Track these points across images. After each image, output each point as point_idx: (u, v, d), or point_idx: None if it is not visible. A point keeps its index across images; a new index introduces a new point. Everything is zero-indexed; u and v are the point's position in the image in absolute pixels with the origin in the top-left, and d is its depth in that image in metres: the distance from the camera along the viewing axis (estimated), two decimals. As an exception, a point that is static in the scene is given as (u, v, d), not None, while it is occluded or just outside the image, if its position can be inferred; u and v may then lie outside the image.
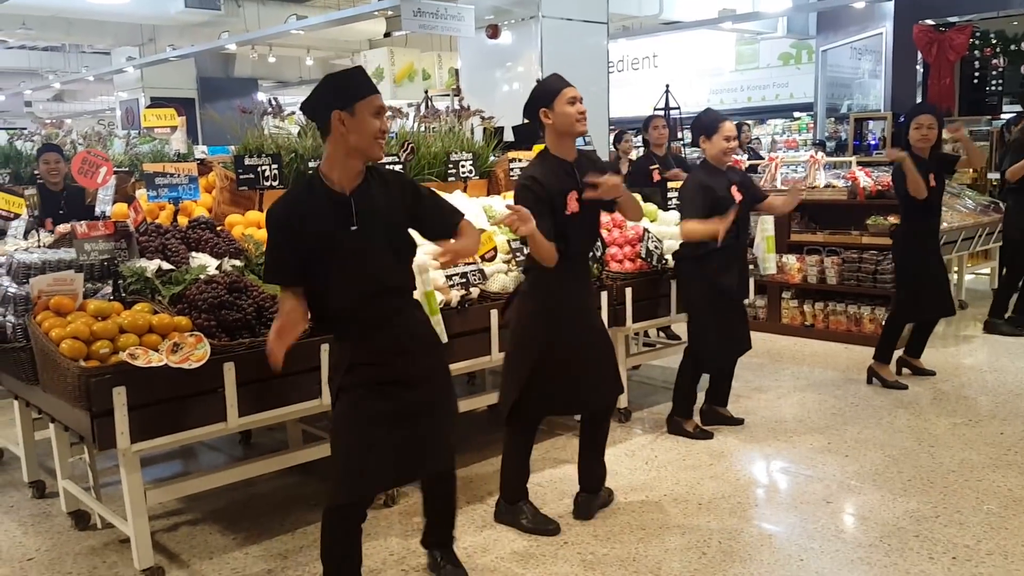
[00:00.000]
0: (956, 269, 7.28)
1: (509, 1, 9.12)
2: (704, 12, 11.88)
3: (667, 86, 11.62)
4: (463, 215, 2.82)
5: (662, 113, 10.10)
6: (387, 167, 2.82)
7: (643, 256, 4.57)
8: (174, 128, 5.89)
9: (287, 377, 3.19)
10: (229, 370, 3.05)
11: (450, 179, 4.97)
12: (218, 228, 3.75)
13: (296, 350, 3.19)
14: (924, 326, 5.32)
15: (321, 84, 2.54)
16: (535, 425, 3.49)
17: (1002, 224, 6.92)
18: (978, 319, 6.95)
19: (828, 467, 4.00)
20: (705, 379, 4.56)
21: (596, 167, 3.33)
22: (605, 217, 4.72)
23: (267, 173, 4.13)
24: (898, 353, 5.35)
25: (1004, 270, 6.85)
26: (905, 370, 5.36)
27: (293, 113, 4.81)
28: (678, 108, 11.41)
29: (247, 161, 4.09)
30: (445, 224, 2.78)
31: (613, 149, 9.72)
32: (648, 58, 15.21)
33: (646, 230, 4.68)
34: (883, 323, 5.47)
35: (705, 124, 4.25)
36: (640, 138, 7.78)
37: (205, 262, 3.41)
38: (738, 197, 4.18)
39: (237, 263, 3.46)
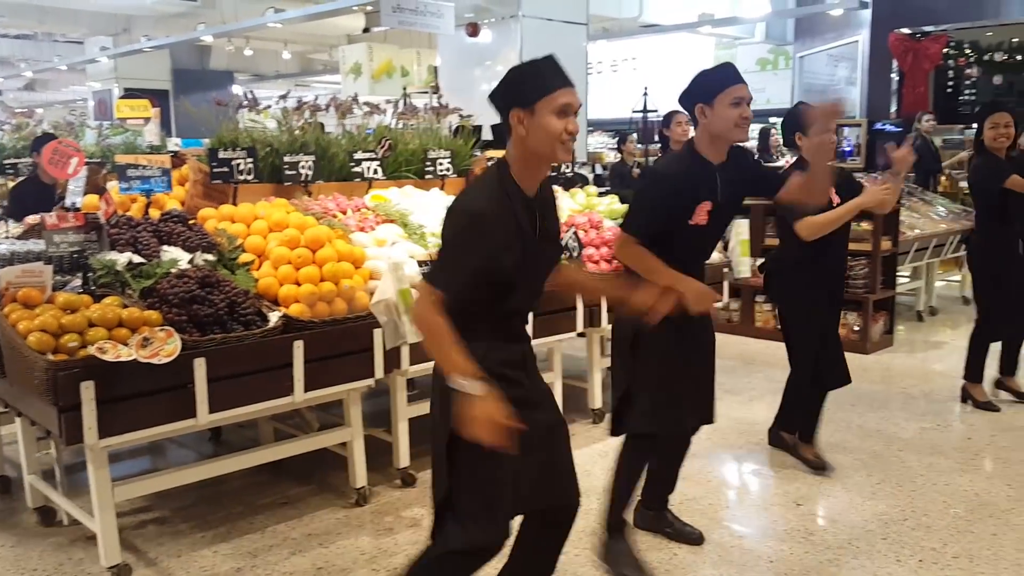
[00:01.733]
0: (926, 276, 7.37)
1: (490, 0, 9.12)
2: (683, 16, 11.95)
3: (645, 89, 11.65)
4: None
5: (682, 109, 10.17)
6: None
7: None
8: (147, 120, 5.83)
9: (258, 374, 3.17)
10: (200, 366, 3.00)
11: (427, 177, 4.95)
12: (191, 222, 3.70)
13: (267, 347, 3.20)
14: (1014, 341, 4.97)
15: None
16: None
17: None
18: (947, 325, 7.05)
19: (798, 469, 4.02)
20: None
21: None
22: (583, 217, 4.75)
23: (242, 167, 4.08)
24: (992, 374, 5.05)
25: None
26: (1003, 393, 5.07)
27: (269, 107, 4.77)
28: (656, 110, 11.45)
29: (221, 154, 4.04)
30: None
31: (618, 150, 9.71)
32: (627, 60, 15.27)
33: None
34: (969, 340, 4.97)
35: (800, 120, 3.82)
36: (657, 135, 7.69)
37: (177, 256, 3.36)
38: (835, 200, 3.77)
39: (210, 257, 3.42)
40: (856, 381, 5.42)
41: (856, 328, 6.16)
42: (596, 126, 13.95)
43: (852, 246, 6.10)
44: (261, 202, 3.95)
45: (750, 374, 5.69)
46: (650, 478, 3.28)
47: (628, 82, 14.13)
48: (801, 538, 3.34)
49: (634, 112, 11.59)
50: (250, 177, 4.12)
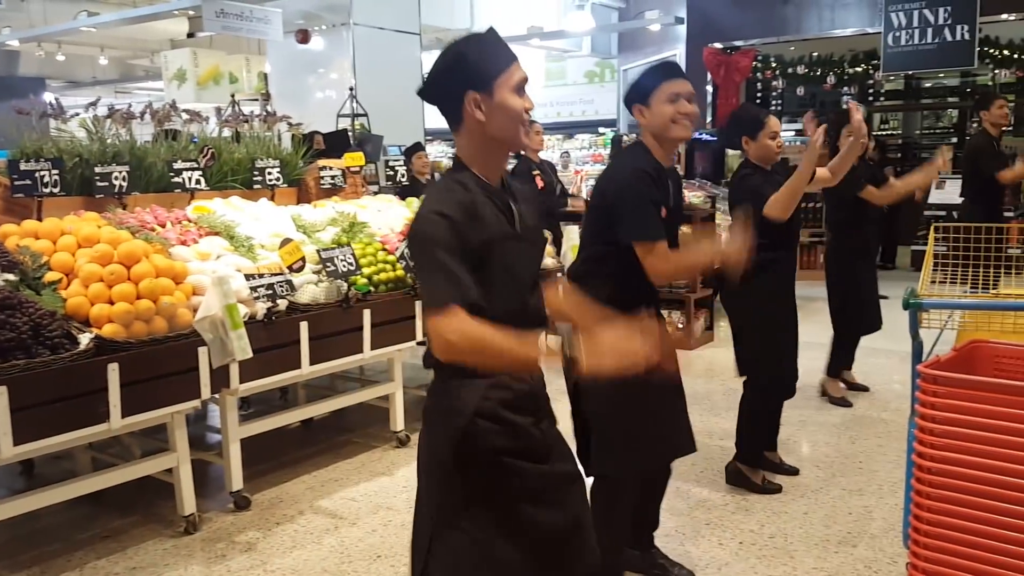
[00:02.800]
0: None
1: (319, 6, 8.97)
2: (513, 28, 12.21)
3: (480, 98, 11.84)
4: None
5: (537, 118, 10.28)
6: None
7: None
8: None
9: (69, 400, 2.97)
10: (1, 395, 2.77)
11: (256, 187, 4.80)
12: (-11, 239, 3.41)
13: (78, 371, 2.99)
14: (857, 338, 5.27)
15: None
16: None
17: None
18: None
19: (631, 464, 4.20)
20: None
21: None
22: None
23: (47, 179, 3.81)
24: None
25: None
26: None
27: (78, 114, 4.48)
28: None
29: (23, 166, 3.76)
30: None
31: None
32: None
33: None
34: None
35: (748, 121, 3.71)
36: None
37: (-28, 277, 3.09)
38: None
39: (11, 277, 3.16)
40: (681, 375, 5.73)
41: (680, 325, 6.51)
42: (435, 135, 14.00)
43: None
44: (69, 216, 3.70)
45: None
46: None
47: (464, 92, 14.29)
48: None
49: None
50: (56, 190, 3.85)
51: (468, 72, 1.85)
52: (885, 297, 5.65)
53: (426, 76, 1.93)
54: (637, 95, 2.65)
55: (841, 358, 5.26)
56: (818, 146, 3.39)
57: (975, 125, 5.94)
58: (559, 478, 1.96)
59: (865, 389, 5.36)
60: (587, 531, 2.02)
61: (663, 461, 2.93)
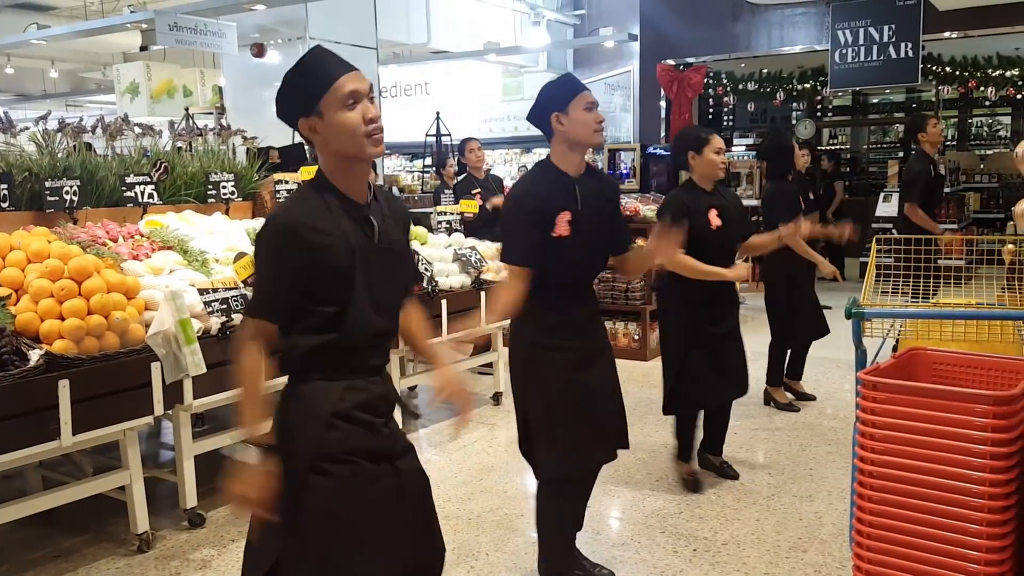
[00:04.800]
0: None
1: (275, 20, 8.94)
2: (470, 43, 12.28)
3: (437, 113, 11.86)
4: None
5: (474, 136, 10.38)
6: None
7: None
8: None
9: (18, 418, 2.93)
10: (-53, 413, 2.73)
11: (210, 200, 4.77)
12: (-66, 255, 3.34)
13: (27, 388, 2.95)
14: (804, 348, 5.42)
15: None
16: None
17: None
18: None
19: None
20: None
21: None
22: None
23: (-5, 194, 3.75)
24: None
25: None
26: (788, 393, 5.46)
27: (28, 128, 4.41)
28: (449, 135, 11.68)
29: (-30, 181, 3.70)
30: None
31: (436, 172, 9.75)
32: (420, 85, 15.43)
33: (415, 252, 4.75)
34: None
35: (692, 138, 3.88)
36: (456, 162, 7.76)
37: (-84, 293, 3.03)
38: (715, 223, 3.80)
39: (-43, 294, 3.11)
40: (637, 386, 5.82)
41: (636, 337, 6.59)
42: (392, 149, 13.99)
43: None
44: (18, 231, 3.63)
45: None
46: None
47: (421, 106, 14.31)
48: (588, 538, 3.52)
49: (428, 135, 11.77)
50: (4, 204, 3.80)
51: (296, 100, 1.92)
52: (828, 307, 5.79)
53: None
54: (554, 104, 2.78)
55: (787, 367, 5.37)
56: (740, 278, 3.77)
57: (912, 148, 6.13)
58: (408, 474, 2.04)
59: (812, 398, 5.48)
60: (432, 524, 2.13)
61: (581, 466, 2.97)
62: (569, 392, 2.81)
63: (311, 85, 1.90)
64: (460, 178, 6.78)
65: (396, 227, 2.05)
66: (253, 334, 1.90)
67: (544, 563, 3.04)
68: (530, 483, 4.21)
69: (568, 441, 2.83)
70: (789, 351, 5.39)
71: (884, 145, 15.59)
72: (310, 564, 1.90)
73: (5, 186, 3.79)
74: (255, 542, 1.96)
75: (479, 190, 6.22)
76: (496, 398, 5.53)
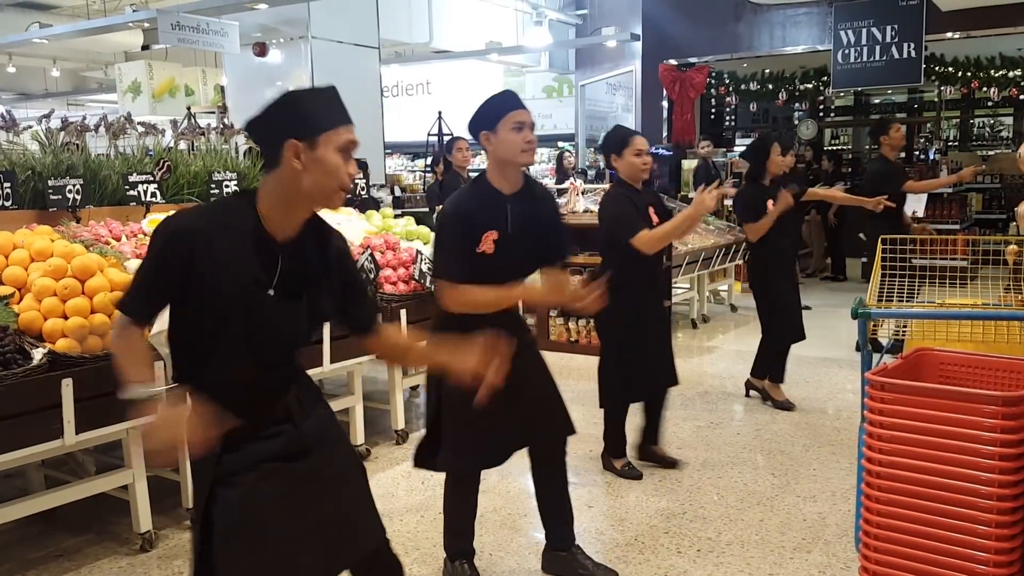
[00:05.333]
0: (698, 287, 8.02)
1: (277, 19, 8.94)
2: (472, 43, 12.29)
3: (439, 113, 11.87)
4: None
5: (464, 135, 10.43)
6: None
7: (416, 278, 4.63)
8: None
9: (21, 417, 2.92)
10: (-50, 412, 2.72)
11: (213, 199, 4.76)
12: (-63, 253, 3.34)
13: (31, 387, 2.94)
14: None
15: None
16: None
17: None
18: (719, 331, 7.69)
19: (591, 473, 4.24)
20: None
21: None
22: (379, 239, 4.74)
23: (-2, 193, 3.75)
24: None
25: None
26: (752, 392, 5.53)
27: (30, 127, 4.41)
28: (451, 134, 11.70)
29: (-27, 179, 3.70)
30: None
31: (433, 171, 9.79)
32: (422, 84, 15.44)
33: (419, 252, 4.74)
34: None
35: (614, 140, 4.00)
36: (442, 160, 7.89)
37: (-80, 292, 3.03)
38: (655, 220, 3.96)
39: (-39, 292, 3.11)
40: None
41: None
42: (393, 148, 14.00)
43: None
44: (21, 230, 3.63)
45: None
46: (540, 511, 3.23)
47: (423, 106, 14.32)
48: (592, 538, 3.52)
49: (429, 135, 11.78)
50: (8, 203, 3.79)
51: (296, 118, 1.84)
52: (808, 307, 5.80)
53: (257, 112, 1.90)
54: (484, 123, 2.81)
55: (772, 367, 5.37)
56: (707, 207, 3.76)
57: (874, 150, 6.22)
58: (314, 473, 2.01)
59: (791, 408, 5.32)
60: (357, 515, 2.10)
61: (483, 467, 3.07)
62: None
63: (323, 116, 1.85)
64: (445, 176, 6.91)
65: (319, 272, 1.97)
66: (121, 327, 1.93)
67: (448, 541, 3.15)
68: (531, 483, 4.20)
69: (473, 443, 2.91)
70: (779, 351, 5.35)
71: (886, 145, 15.54)
72: (241, 569, 1.90)
73: (8, 184, 3.79)
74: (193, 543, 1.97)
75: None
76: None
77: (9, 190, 3.79)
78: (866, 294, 2.82)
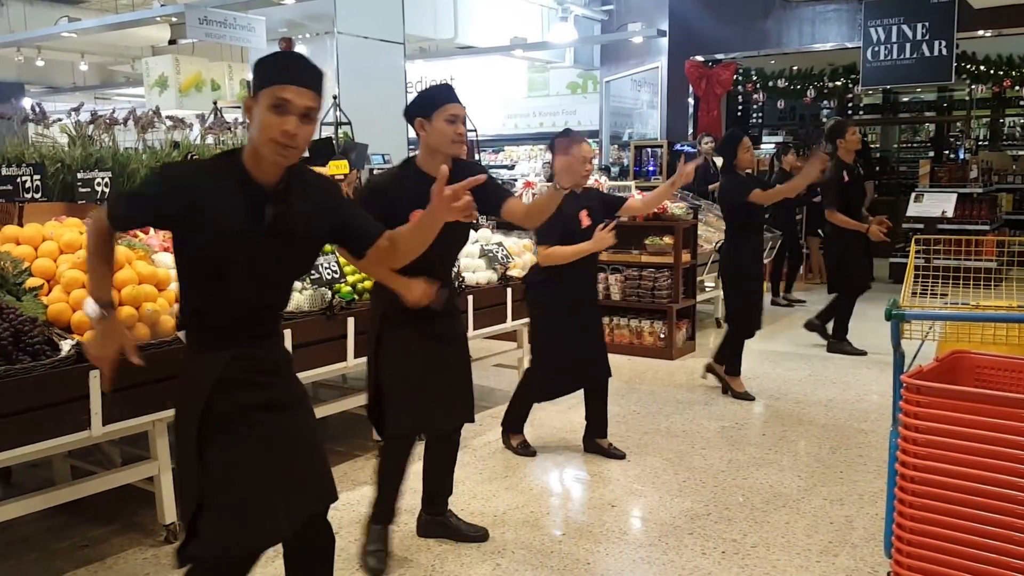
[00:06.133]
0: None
1: (303, 15, 8.97)
2: (497, 39, 12.26)
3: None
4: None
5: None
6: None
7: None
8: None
9: (50, 407, 2.93)
10: (-20, 402, 2.74)
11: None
12: (-32, 244, 3.37)
13: (59, 378, 2.96)
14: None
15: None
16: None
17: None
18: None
19: (613, 472, 4.21)
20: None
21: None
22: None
23: (28, 184, 3.78)
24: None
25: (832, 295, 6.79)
26: (710, 375, 5.70)
27: (60, 120, 4.44)
28: (475, 130, 11.67)
29: (5, 171, 3.73)
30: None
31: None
32: (446, 80, 15.48)
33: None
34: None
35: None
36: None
37: (-49, 282, 3.05)
38: (585, 223, 4.07)
39: (-9, 283, 3.13)
40: (663, 386, 5.78)
41: (662, 336, 6.54)
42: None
43: (656, 259, 6.53)
44: (51, 222, 3.66)
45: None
46: (424, 483, 3.47)
47: (447, 101, 14.33)
48: (616, 538, 3.49)
49: (453, 131, 11.75)
50: (38, 195, 3.82)
51: (257, 77, 2.07)
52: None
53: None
54: (420, 110, 3.00)
55: (729, 359, 5.52)
56: (606, 243, 4.03)
57: (831, 153, 6.20)
58: (292, 429, 2.25)
59: (752, 399, 5.47)
60: (321, 475, 2.35)
61: (421, 429, 3.30)
62: (415, 359, 3.09)
63: (268, 71, 2.06)
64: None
65: (310, 215, 2.19)
66: (99, 227, 2.15)
67: (375, 510, 3.28)
68: (553, 481, 4.19)
69: (412, 405, 3.12)
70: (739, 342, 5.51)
71: (915, 144, 15.39)
72: (222, 508, 2.13)
73: (38, 177, 3.82)
74: (180, 481, 2.25)
75: None
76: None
77: (39, 182, 3.82)
78: (898, 295, 2.77)
